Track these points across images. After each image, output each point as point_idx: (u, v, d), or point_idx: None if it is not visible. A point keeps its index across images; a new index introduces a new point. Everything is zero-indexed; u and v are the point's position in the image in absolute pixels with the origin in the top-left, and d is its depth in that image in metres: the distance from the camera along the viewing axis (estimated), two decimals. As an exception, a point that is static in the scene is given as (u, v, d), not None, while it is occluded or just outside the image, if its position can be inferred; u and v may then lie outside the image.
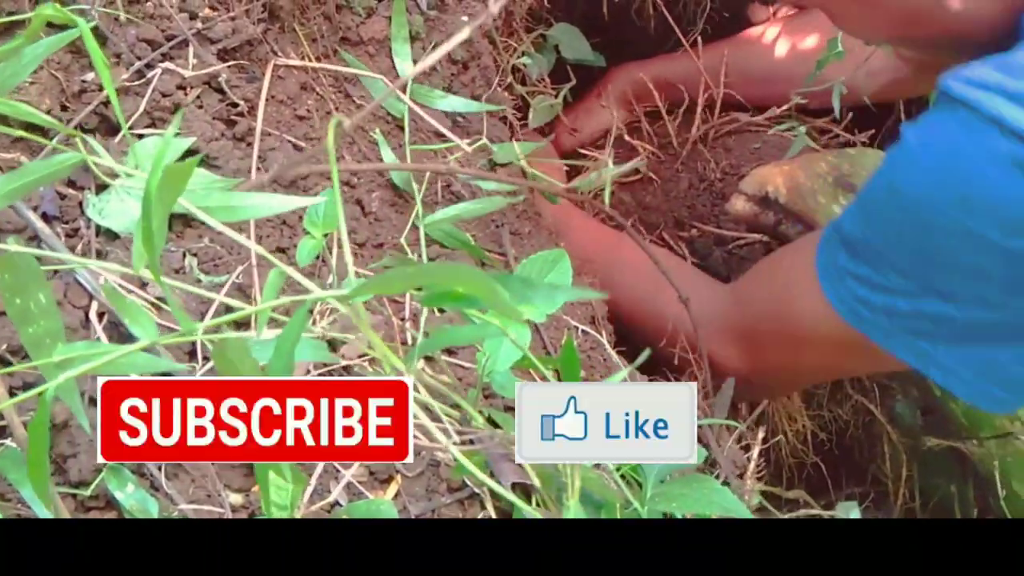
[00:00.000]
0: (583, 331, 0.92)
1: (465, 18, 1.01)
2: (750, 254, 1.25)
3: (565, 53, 1.29)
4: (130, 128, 0.82)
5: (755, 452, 0.90)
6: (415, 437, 0.77)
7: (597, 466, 0.78)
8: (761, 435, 0.93)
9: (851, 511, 0.92)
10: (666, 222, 1.31)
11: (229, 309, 0.75)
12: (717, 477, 0.89)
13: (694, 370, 0.99)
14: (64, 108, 0.82)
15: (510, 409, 0.85)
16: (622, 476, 0.81)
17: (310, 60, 0.93)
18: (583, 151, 1.32)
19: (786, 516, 0.96)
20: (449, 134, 0.95)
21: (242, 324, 0.77)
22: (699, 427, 0.92)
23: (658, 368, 1.02)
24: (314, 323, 0.76)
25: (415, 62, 0.96)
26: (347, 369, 0.79)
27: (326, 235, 0.82)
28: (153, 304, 0.75)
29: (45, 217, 0.76)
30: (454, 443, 0.77)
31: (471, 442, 0.78)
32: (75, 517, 0.64)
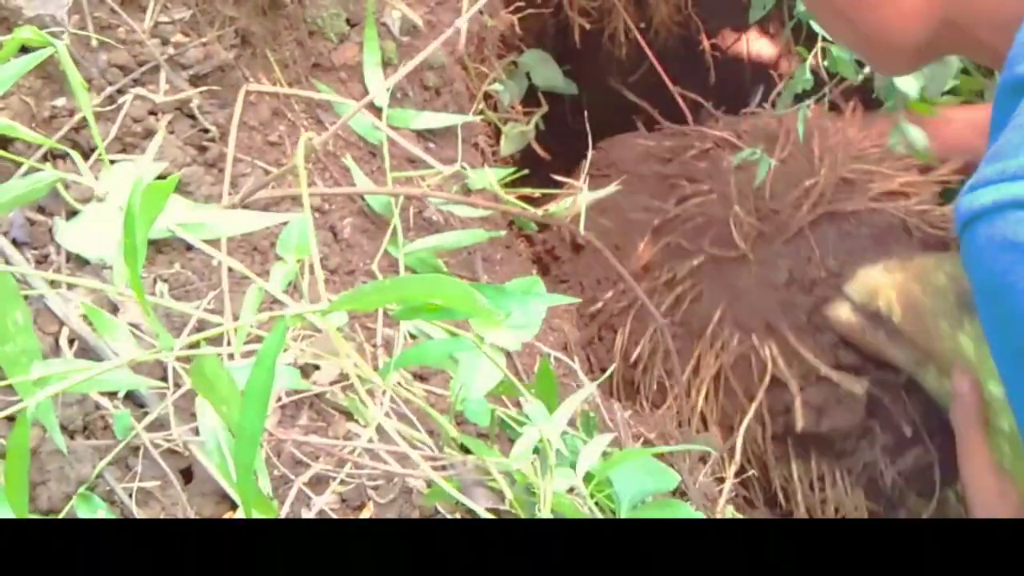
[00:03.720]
0: (555, 357, 0.95)
1: (439, 44, 1.05)
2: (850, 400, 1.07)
3: (536, 80, 1.33)
4: (100, 153, 0.85)
5: (728, 484, 0.93)
6: (387, 463, 0.80)
7: (571, 491, 0.81)
8: (734, 469, 0.96)
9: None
10: (756, 322, 1.11)
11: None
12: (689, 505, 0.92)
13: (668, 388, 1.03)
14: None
15: (483, 435, 0.88)
16: (596, 503, 0.84)
17: (282, 86, 0.96)
18: (560, 178, 1.22)
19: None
20: (425, 156, 0.99)
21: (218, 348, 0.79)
22: (673, 455, 0.96)
23: (632, 390, 1.06)
24: (286, 349, 0.78)
25: (388, 89, 1.00)
26: (319, 396, 0.82)
27: (299, 260, 0.85)
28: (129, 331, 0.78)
29: (15, 243, 0.78)
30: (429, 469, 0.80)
31: (444, 468, 0.80)
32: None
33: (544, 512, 0.66)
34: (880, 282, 1.03)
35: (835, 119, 1.25)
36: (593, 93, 1.58)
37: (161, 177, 0.86)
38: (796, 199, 1.11)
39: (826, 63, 1.29)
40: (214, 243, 0.84)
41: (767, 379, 1.07)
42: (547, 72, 1.34)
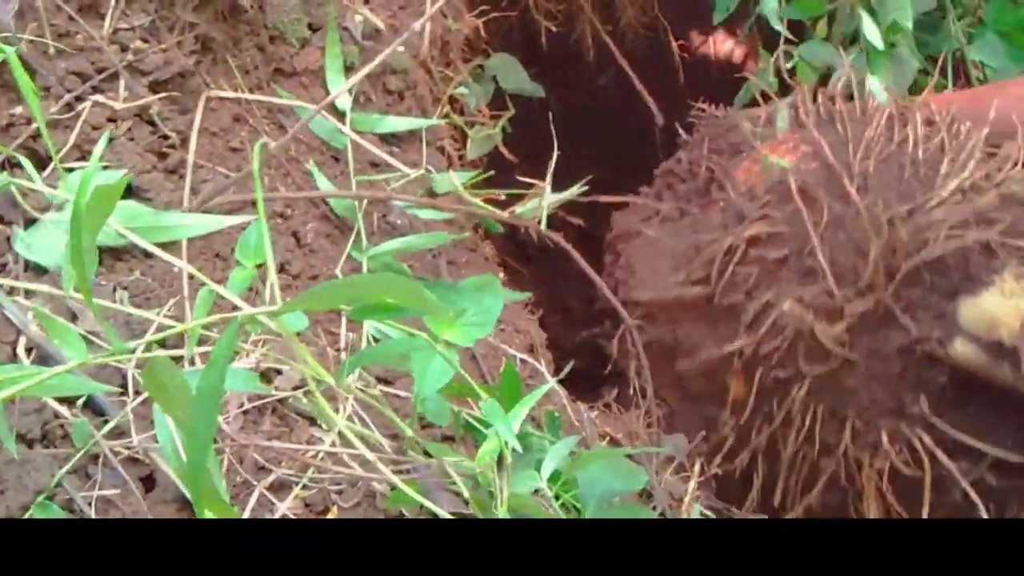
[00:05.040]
0: (521, 359, 0.96)
1: (401, 48, 1.06)
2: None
3: (503, 83, 1.34)
4: (60, 161, 0.85)
5: (692, 484, 0.94)
6: (351, 468, 0.81)
7: (536, 492, 0.81)
8: (697, 467, 0.97)
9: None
10: (889, 421, 1.00)
11: (163, 342, 0.78)
12: (655, 507, 0.93)
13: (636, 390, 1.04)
14: (-9, 141, 0.84)
15: (448, 438, 0.88)
16: (562, 504, 0.85)
17: (243, 91, 0.96)
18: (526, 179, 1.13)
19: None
20: (389, 159, 0.99)
21: (177, 360, 0.79)
22: (638, 456, 0.97)
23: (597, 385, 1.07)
24: (247, 355, 0.78)
25: (351, 92, 1.01)
26: (282, 402, 0.82)
27: (258, 265, 0.85)
28: (85, 337, 0.78)
29: (-29, 251, 0.78)
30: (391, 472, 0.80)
31: (407, 472, 0.81)
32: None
33: (501, 512, 0.67)
34: (998, 310, 0.93)
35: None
36: (562, 95, 1.60)
37: (128, 186, 0.86)
38: (870, 278, 0.98)
39: (789, 64, 1.31)
40: (175, 250, 0.85)
41: (928, 478, 0.97)
42: (514, 75, 1.35)
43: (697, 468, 0.98)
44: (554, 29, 1.43)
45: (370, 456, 0.65)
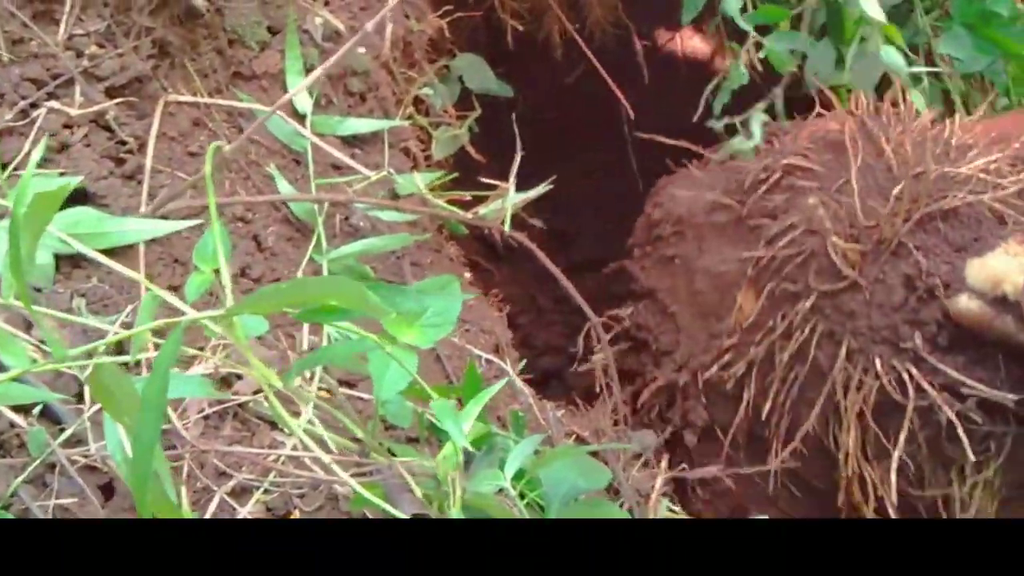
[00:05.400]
0: (487, 360, 0.96)
1: (362, 49, 1.06)
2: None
3: (470, 83, 1.34)
4: (15, 169, 0.85)
5: (659, 481, 0.95)
6: (312, 471, 0.81)
7: (500, 491, 0.81)
8: (664, 463, 0.97)
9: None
10: (884, 348, 1.05)
11: (119, 348, 0.77)
12: (622, 504, 0.94)
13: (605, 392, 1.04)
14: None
15: (413, 440, 0.88)
16: (528, 504, 0.85)
17: (202, 96, 0.96)
18: (489, 180, 1.17)
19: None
20: (351, 162, 0.99)
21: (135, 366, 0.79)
22: (604, 453, 0.97)
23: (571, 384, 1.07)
24: (206, 360, 0.78)
25: (311, 94, 1.01)
26: (243, 406, 0.82)
27: (217, 270, 0.85)
28: (39, 347, 0.77)
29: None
30: (352, 475, 0.80)
31: (369, 474, 0.81)
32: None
33: (454, 512, 0.67)
34: (1004, 267, 0.99)
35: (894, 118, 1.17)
36: (531, 95, 1.60)
37: (79, 191, 0.86)
38: (891, 211, 1.05)
39: (760, 55, 1.31)
40: (133, 256, 0.84)
41: (911, 407, 1.02)
42: (480, 75, 1.35)
43: (664, 464, 0.98)
44: (520, 28, 1.43)
45: (325, 459, 0.65)
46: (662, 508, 0.95)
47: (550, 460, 0.82)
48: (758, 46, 1.28)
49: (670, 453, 1.18)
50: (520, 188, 1.08)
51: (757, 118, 1.11)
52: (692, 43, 1.68)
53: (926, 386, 1.01)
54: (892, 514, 1.04)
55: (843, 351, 1.05)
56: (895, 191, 1.05)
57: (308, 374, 0.84)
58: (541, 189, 1.07)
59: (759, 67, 1.25)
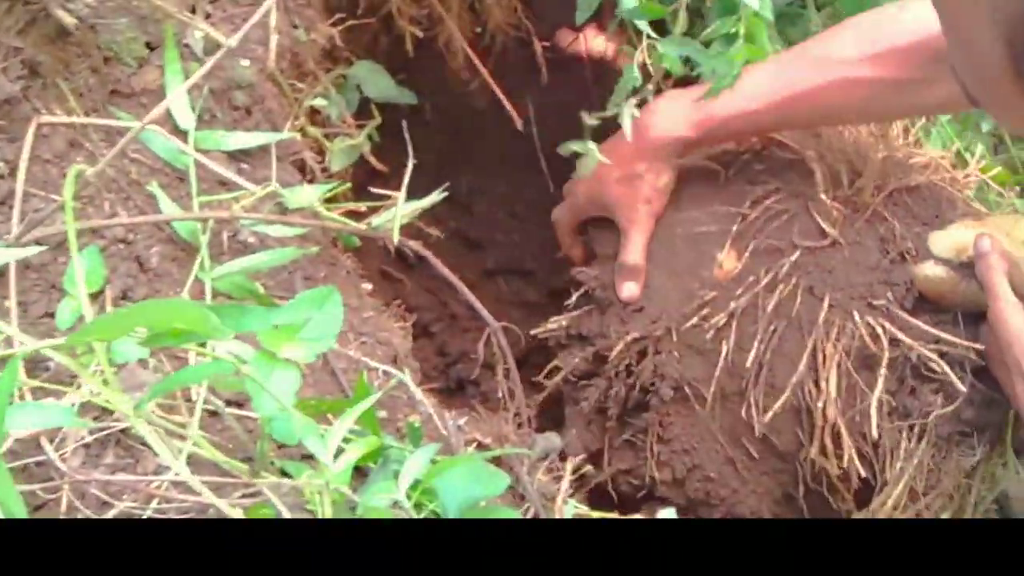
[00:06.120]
0: (384, 371, 0.95)
1: (246, 62, 1.04)
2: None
3: (368, 92, 1.33)
4: None
5: (565, 483, 0.95)
6: (200, 495, 0.79)
7: (395, 504, 0.81)
8: (571, 466, 0.97)
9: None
10: (859, 304, 1.17)
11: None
12: (527, 509, 0.93)
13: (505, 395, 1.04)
14: None
15: (308, 457, 0.87)
16: (426, 516, 0.84)
17: (78, 115, 0.94)
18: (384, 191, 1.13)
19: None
20: (236, 178, 0.98)
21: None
22: (509, 458, 0.97)
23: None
24: (80, 386, 0.76)
25: (194, 109, 0.99)
26: (125, 432, 0.80)
27: (97, 294, 0.83)
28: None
29: None
30: (242, 496, 0.79)
31: (259, 494, 0.80)
32: None
33: (319, 508, 0.66)
34: (966, 236, 1.12)
35: None
36: (436, 102, 1.59)
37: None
38: (865, 183, 1.19)
39: (651, 60, 1.31)
40: (3, 283, 0.82)
41: (885, 358, 1.13)
42: (379, 83, 1.34)
43: (570, 466, 0.98)
44: (420, 35, 1.42)
45: (198, 485, 0.64)
46: (568, 509, 0.95)
47: (445, 469, 0.82)
48: (650, 49, 1.29)
49: (643, 410, 1.25)
50: (427, 196, 1.08)
51: (627, 112, 1.12)
52: (596, 43, 1.68)
53: (900, 335, 1.13)
54: (870, 451, 1.16)
55: (824, 309, 1.16)
56: (866, 169, 1.19)
57: (193, 395, 0.82)
58: (435, 197, 1.07)
59: (651, 70, 1.26)
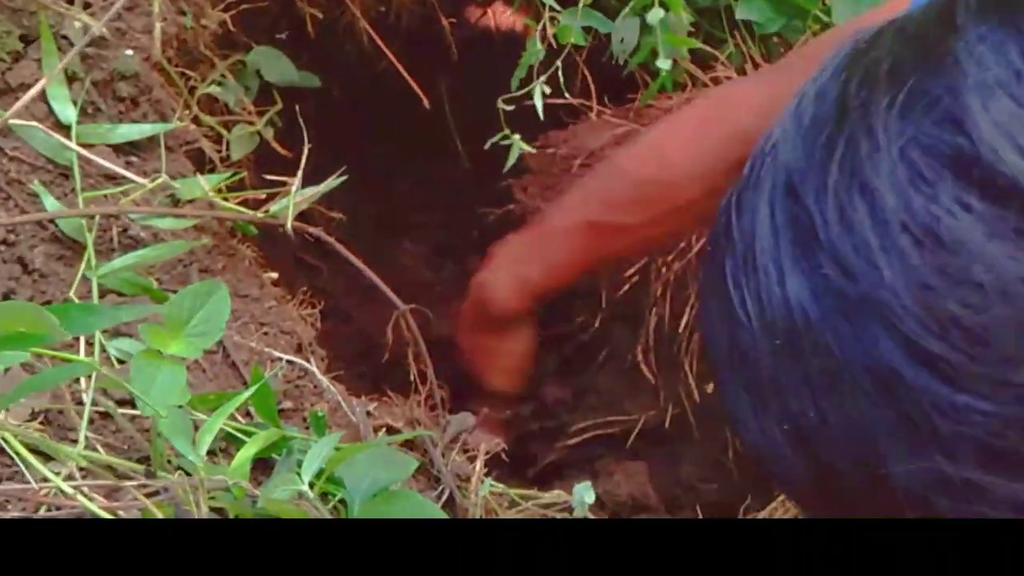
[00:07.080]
0: (289, 361, 0.94)
1: (130, 52, 1.01)
2: None
3: (269, 77, 1.30)
4: None
5: (479, 463, 0.94)
6: (92, 499, 0.77)
7: (300, 496, 0.80)
8: (484, 447, 0.97)
9: (586, 493, 0.97)
10: None
11: None
12: (443, 491, 0.93)
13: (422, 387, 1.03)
14: None
15: (210, 453, 0.86)
16: (333, 505, 0.83)
17: (-50, 115, 0.91)
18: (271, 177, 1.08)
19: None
20: (122, 171, 0.95)
21: None
22: (422, 440, 0.96)
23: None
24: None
25: (75, 103, 0.96)
26: (7, 441, 0.78)
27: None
28: None
29: None
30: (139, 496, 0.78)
31: (157, 493, 0.78)
32: None
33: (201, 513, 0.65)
34: None
35: None
36: (344, 85, 1.57)
37: None
38: None
39: (554, 32, 1.31)
40: None
41: None
42: (279, 68, 1.32)
43: (483, 448, 0.98)
44: (320, 16, 1.39)
45: (71, 495, 0.62)
46: (484, 488, 0.95)
47: (347, 456, 0.81)
48: (552, 20, 1.29)
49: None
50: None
51: (538, 91, 1.11)
52: (505, 18, 1.67)
53: None
54: None
55: None
56: None
57: (84, 396, 0.80)
58: (332, 182, 1.05)
59: (553, 42, 1.25)
